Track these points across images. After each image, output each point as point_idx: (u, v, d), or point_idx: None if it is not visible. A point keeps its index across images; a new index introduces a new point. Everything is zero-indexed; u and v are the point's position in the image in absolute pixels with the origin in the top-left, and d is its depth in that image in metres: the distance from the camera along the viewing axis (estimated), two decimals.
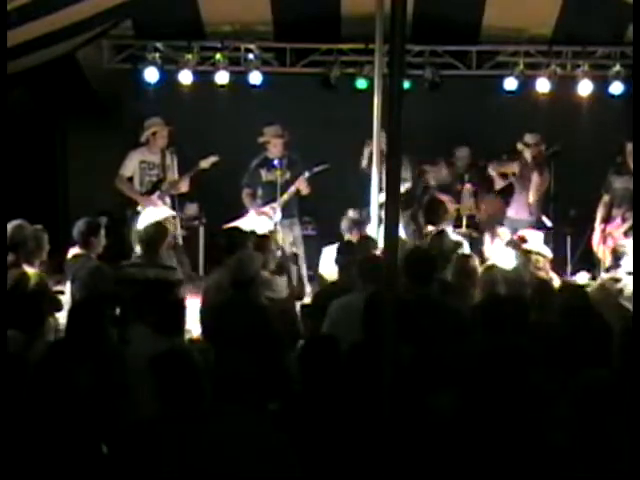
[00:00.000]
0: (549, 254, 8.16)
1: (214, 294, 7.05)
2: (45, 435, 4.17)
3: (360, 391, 4.49)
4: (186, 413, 4.13)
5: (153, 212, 9.43)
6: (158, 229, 7.92)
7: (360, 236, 8.37)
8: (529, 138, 10.37)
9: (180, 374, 4.25)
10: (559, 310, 5.96)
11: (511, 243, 8.30)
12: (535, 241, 8.40)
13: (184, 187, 10.19)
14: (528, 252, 7.95)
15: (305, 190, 10.13)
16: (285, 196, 10.04)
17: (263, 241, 7.82)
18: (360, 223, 9.11)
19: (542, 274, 7.71)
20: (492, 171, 10.59)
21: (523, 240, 8.31)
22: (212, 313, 6.61)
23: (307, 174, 10.00)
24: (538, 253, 8.00)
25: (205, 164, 10.13)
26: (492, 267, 7.17)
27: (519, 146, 10.44)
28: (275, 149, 10.18)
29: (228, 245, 7.71)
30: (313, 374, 4.65)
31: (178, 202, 10.22)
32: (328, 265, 8.50)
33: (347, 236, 8.86)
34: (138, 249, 8.15)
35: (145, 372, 4.36)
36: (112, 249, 8.20)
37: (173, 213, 9.86)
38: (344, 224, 9.16)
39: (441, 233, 8.37)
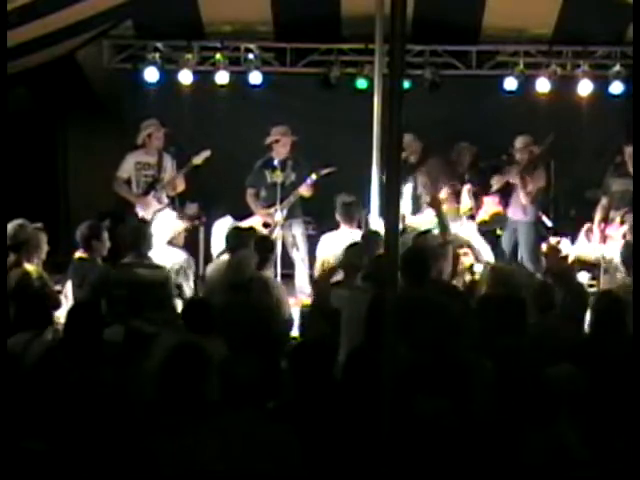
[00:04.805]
0: None
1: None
2: (45, 434, 4.18)
3: (359, 393, 4.49)
4: (190, 410, 4.15)
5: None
6: (142, 229, 7.97)
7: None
8: (518, 142, 10.21)
9: (188, 368, 4.28)
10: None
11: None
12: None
13: (180, 186, 10.11)
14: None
15: (307, 194, 10.03)
16: (290, 198, 9.96)
17: (264, 242, 7.80)
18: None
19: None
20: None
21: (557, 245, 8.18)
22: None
23: (314, 177, 9.90)
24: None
25: (198, 160, 9.97)
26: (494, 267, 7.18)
27: (511, 150, 10.33)
28: (283, 149, 9.99)
29: (230, 245, 7.72)
30: (305, 378, 4.62)
31: (178, 202, 10.19)
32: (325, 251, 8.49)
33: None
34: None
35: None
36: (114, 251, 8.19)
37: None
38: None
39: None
